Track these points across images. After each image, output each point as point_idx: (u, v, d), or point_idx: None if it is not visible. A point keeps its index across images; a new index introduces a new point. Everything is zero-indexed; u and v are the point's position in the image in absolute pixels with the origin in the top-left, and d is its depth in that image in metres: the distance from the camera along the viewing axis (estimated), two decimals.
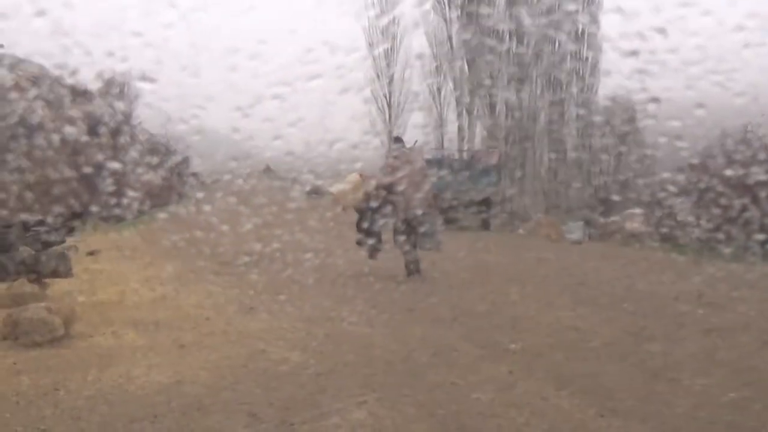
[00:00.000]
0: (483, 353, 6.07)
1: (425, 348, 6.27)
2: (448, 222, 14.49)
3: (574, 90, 27.19)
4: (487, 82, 25.93)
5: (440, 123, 26.11)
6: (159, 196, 24.55)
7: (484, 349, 6.27)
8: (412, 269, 9.49)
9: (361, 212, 10.38)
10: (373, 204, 9.96)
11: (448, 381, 5.21)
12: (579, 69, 26.71)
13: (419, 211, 9.43)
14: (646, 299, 8.79)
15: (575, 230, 21.38)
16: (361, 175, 11.45)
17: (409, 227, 9.55)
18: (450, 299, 8.52)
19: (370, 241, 9.80)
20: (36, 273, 7.30)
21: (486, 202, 17.33)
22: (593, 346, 6.33)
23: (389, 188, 9.67)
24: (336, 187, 19.76)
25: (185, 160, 30.21)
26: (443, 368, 5.59)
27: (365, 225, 9.89)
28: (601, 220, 23.11)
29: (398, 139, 12.16)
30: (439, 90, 26.18)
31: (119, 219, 15.64)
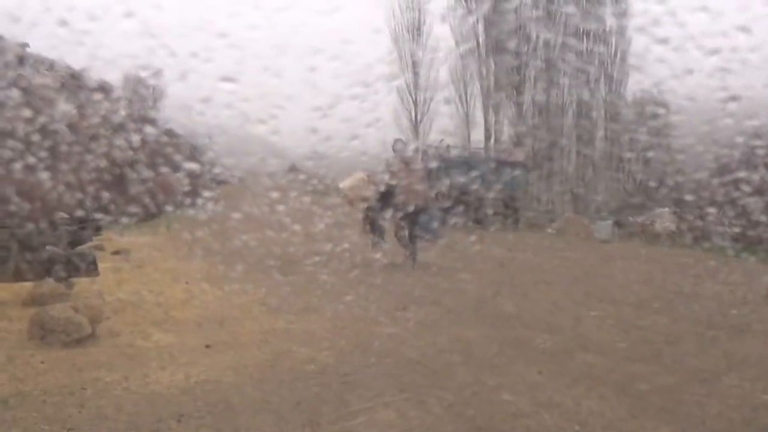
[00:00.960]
0: (512, 353, 5.99)
1: (454, 348, 6.25)
2: (476, 222, 14.59)
3: (602, 85, 26.74)
4: (514, 77, 25.68)
5: (466, 120, 25.98)
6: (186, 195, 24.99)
7: (513, 348, 6.21)
8: (409, 260, 10.58)
9: (368, 209, 11.73)
10: (377, 202, 11.38)
11: (477, 381, 5.18)
12: (607, 63, 26.27)
13: (417, 207, 10.52)
14: (681, 299, 8.61)
15: (604, 229, 21.07)
16: (367, 174, 12.50)
17: (408, 222, 10.71)
18: (478, 299, 8.52)
19: (374, 236, 11.22)
20: (62, 272, 7.43)
21: (513, 201, 17.25)
22: (623, 347, 6.23)
23: (389, 189, 10.94)
24: (343, 184, 20.42)
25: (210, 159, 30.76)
26: (472, 368, 5.54)
27: (370, 221, 11.43)
28: (630, 219, 22.69)
29: (399, 141, 12.63)
30: (465, 88, 25.95)
31: (148, 218, 15.99)
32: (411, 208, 10.35)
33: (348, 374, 5.30)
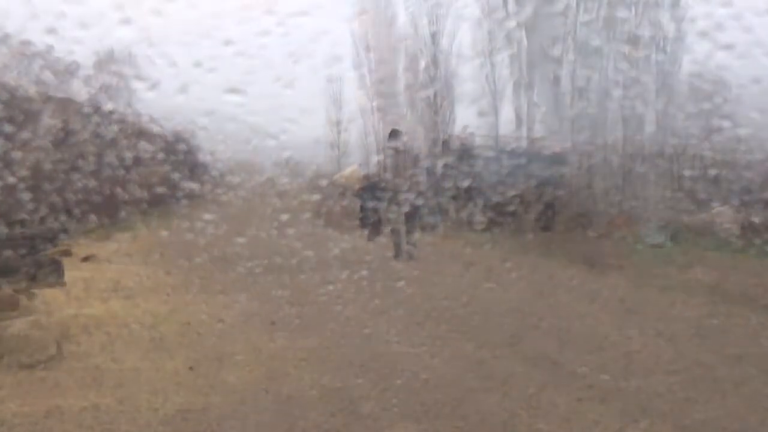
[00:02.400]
0: (545, 377, 5.93)
1: (477, 371, 6.22)
2: (497, 223, 14.47)
3: (654, 65, 26.39)
4: (552, 53, 25.26)
5: (494, 105, 25.46)
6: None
7: (546, 372, 6.16)
8: (398, 253, 11.79)
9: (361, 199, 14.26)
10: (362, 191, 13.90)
11: (505, 409, 5.15)
12: (660, 41, 25.87)
13: (408, 200, 11.68)
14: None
15: (655, 231, 20.96)
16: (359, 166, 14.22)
17: (399, 214, 11.91)
18: (503, 315, 8.44)
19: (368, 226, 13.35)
20: (22, 281, 7.36)
21: (548, 198, 17.13)
22: (674, 369, 6.22)
23: (375, 180, 12.97)
24: (338, 176, 22.07)
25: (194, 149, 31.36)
26: (499, 394, 5.50)
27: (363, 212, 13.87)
28: (685, 218, 22.51)
29: (394, 133, 13.45)
30: (492, 66, 25.37)
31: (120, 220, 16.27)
32: (402, 201, 11.61)
33: (355, 400, 5.29)
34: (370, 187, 14.76)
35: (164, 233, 13.47)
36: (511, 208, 14.50)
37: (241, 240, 10.23)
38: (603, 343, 7.15)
